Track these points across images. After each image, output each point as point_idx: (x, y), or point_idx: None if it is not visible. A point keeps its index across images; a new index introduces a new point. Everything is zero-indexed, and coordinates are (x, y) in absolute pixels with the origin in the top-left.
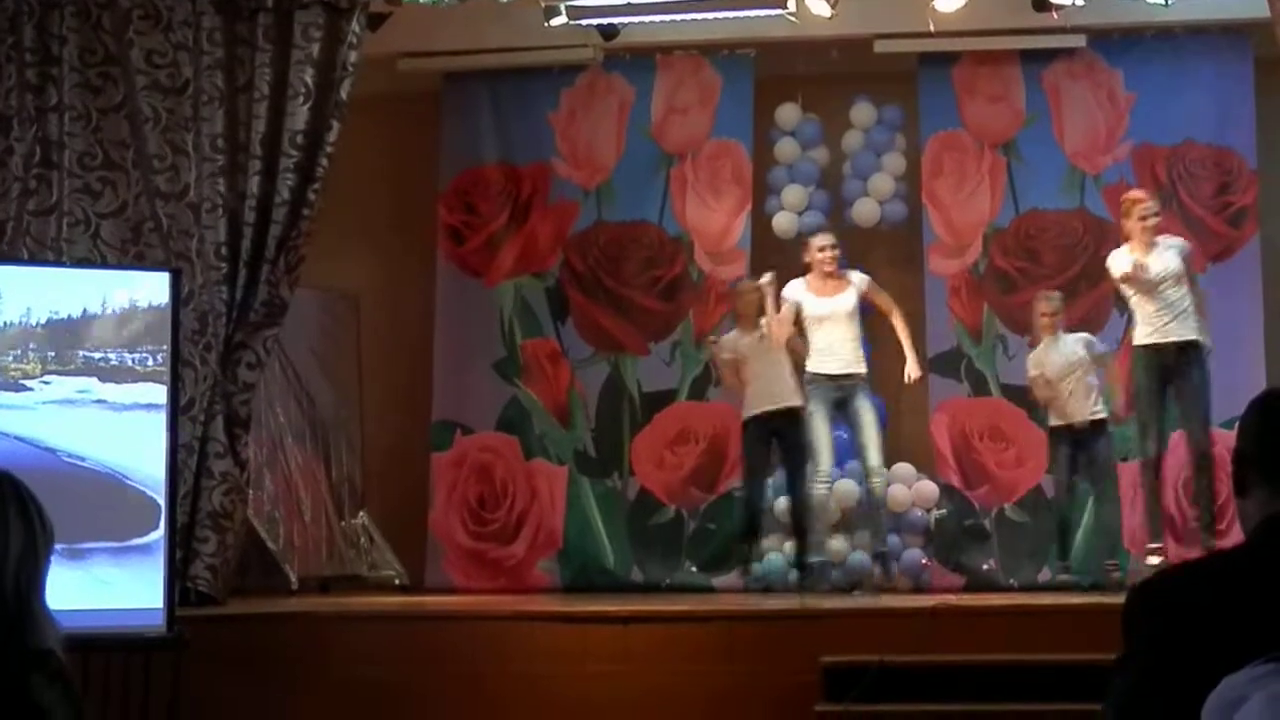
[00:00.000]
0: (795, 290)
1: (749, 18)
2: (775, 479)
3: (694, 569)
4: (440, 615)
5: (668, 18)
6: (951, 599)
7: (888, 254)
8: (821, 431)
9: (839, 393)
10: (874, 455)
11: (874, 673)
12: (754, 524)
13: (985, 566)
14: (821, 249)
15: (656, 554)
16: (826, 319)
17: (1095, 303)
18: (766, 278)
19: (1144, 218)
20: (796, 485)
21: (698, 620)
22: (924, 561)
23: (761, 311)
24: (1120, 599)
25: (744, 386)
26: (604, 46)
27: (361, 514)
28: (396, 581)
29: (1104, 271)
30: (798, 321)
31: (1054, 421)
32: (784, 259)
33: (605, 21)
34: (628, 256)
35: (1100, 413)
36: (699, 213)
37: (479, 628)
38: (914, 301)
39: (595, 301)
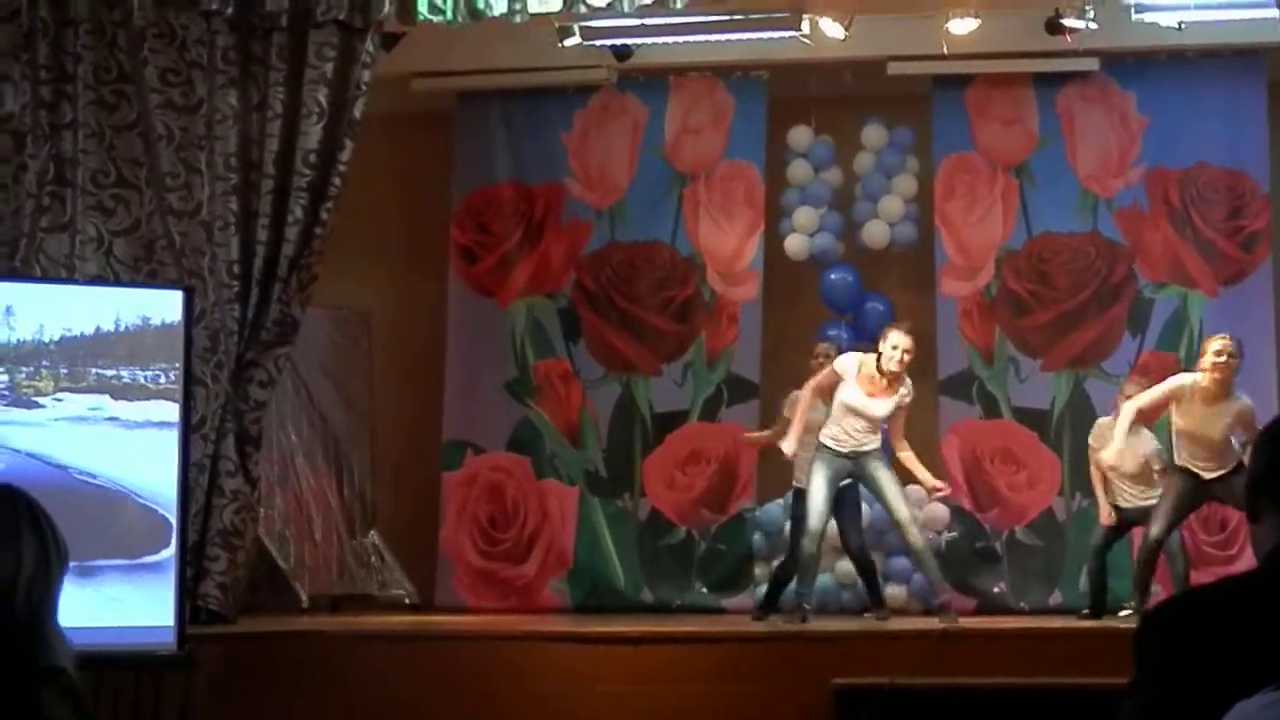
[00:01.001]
0: (847, 367)
1: (762, 40)
2: (786, 501)
3: (704, 590)
4: (451, 635)
5: (681, 39)
6: (962, 622)
7: (900, 276)
8: (818, 491)
9: (850, 464)
10: (900, 509)
11: (885, 695)
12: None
13: (996, 589)
14: (895, 347)
15: (667, 575)
16: (857, 413)
17: (1108, 326)
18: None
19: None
20: (852, 537)
21: (709, 641)
22: None
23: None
24: (1129, 624)
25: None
26: (617, 67)
27: (372, 533)
28: (407, 600)
29: (1115, 295)
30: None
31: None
32: (796, 281)
33: (619, 42)
34: (640, 277)
35: (1149, 500)
36: (711, 234)
37: (490, 648)
38: (925, 323)
39: (607, 322)
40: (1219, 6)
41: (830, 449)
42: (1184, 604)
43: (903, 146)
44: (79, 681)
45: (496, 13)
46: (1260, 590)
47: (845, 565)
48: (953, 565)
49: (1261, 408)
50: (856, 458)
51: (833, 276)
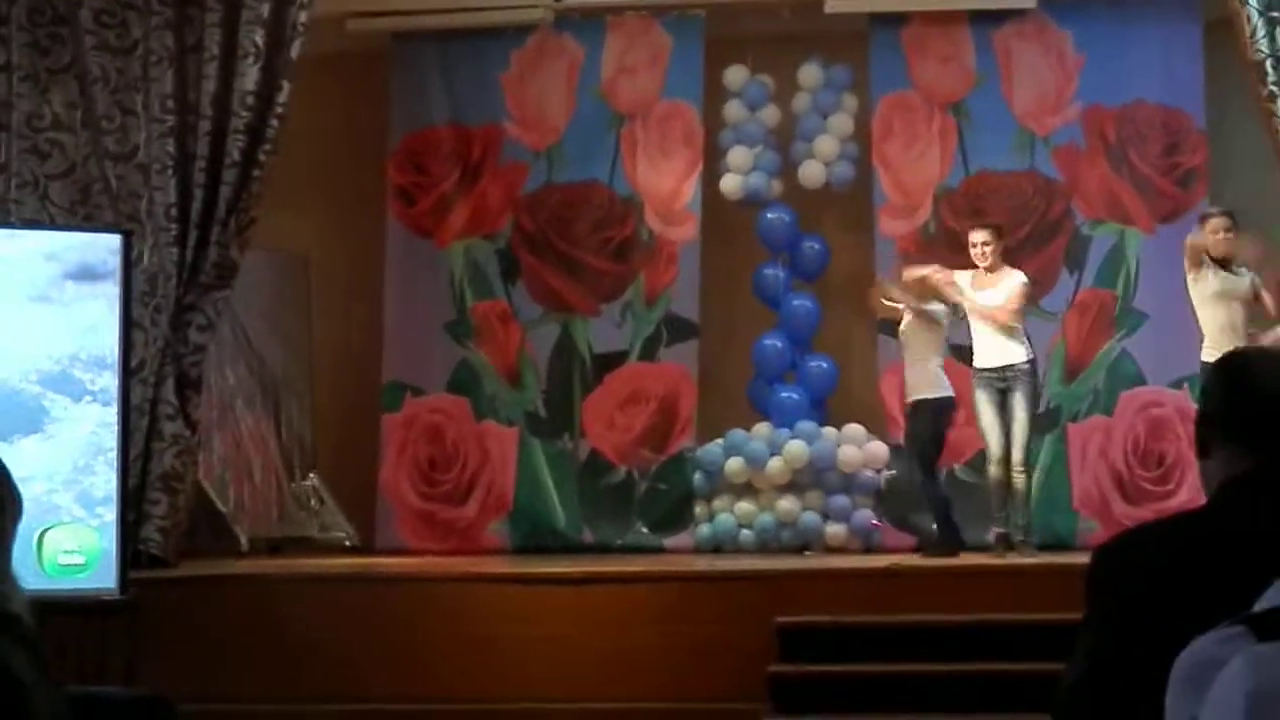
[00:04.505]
0: (964, 276)
1: None
2: (725, 440)
3: (645, 530)
4: (391, 577)
5: None
6: (901, 559)
7: (838, 215)
8: (985, 417)
9: (1002, 383)
10: (1017, 451)
11: (826, 632)
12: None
13: (935, 526)
14: (973, 245)
15: (607, 515)
16: (976, 312)
17: (1045, 263)
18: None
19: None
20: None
21: (652, 581)
22: (874, 522)
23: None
24: (1069, 558)
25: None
26: (554, 7)
27: (312, 475)
28: (347, 543)
29: (1053, 232)
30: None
31: None
32: (735, 221)
33: None
34: (578, 217)
35: None
36: (649, 174)
37: (431, 590)
38: (864, 263)
39: (546, 262)
40: None
41: (981, 369)
42: (1136, 539)
43: (840, 85)
44: (34, 629)
45: None
46: (1212, 524)
47: (784, 503)
48: (892, 503)
49: (1195, 344)
50: (1007, 375)
51: (770, 216)
